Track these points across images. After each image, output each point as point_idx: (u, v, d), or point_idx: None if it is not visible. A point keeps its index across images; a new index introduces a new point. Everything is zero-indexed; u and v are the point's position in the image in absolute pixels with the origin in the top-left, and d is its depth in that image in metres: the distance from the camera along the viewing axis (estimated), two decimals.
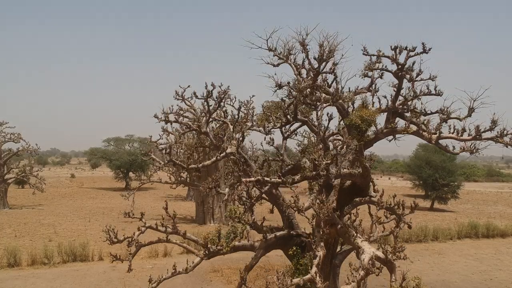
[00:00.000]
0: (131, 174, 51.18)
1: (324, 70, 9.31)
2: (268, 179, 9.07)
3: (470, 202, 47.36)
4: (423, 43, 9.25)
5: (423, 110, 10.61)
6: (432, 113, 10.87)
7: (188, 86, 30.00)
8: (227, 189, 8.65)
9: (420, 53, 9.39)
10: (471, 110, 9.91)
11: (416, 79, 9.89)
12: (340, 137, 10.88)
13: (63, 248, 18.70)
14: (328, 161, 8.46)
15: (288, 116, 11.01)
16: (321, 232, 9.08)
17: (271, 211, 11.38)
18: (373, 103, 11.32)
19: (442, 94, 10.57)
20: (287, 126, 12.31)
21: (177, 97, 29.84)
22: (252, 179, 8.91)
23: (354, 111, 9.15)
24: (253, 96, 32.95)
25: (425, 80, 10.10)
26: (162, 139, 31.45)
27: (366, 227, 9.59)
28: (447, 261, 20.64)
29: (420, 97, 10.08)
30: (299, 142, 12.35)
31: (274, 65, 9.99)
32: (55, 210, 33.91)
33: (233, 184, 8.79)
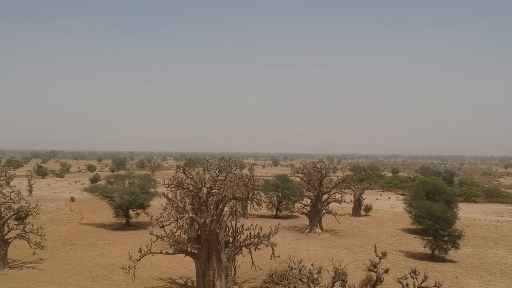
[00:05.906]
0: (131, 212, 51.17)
1: None
2: None
3: (470, 241, 47.49)
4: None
5: None
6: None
7: (189, 159, 29.95)
8: None
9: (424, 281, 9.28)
10: None
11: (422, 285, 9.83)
12: None
13: None
14: None
15: None
16: None
17: None
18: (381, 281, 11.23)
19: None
20: None
21: (179, 170, 29.78)
22: None
23: None
24: (254, 164, 32.65)
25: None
26: (164, 211, 31.31)
27: None
28: None
29: None
30: None
31: None
32: (55, 272, 33.83)
33: None
